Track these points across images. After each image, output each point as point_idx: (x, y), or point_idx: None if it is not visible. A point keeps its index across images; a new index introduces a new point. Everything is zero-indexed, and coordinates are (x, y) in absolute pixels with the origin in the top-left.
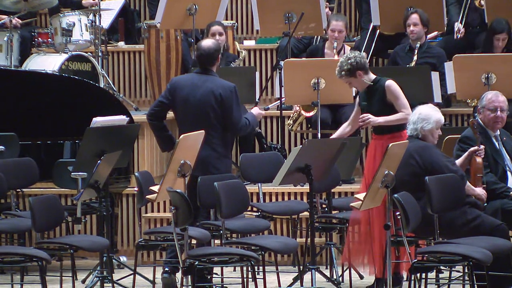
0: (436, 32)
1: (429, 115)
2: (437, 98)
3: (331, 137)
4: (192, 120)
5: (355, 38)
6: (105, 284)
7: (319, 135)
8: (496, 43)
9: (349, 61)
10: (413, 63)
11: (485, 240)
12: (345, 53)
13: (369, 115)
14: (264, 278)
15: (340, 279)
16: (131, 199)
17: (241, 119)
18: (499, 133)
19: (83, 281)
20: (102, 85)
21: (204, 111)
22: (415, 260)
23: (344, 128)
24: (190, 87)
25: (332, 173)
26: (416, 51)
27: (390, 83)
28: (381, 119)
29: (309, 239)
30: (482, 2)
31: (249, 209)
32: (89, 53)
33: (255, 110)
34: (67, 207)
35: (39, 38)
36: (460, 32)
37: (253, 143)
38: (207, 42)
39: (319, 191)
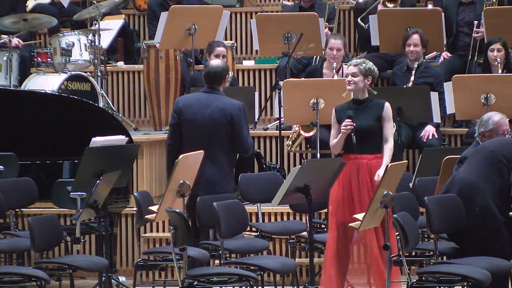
0: (435, 52)
1: None
2: (437, 118)
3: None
4: (199, 139)
5: (354, 58)
6: None
7: (318, 155)
8: (490, 54)
9: (370, 63)
10: (410, 83)
11: (484, 260)
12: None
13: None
14: None
15: None
16: (130, 219)
17: (249, 138)
18: None
19: None
20: (101, 105)
21: (214, 130)
22: (414, 281)
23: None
24: (197, 105)
25: None
26: (413, 71)
27: (388, 104)
28: (384, 166)
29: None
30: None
31: (248, 229)
32: (88, 73)
33: None
34: (66, 227)
35: (39, 58)
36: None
37: (252, 163)
38: (215, 62)
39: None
